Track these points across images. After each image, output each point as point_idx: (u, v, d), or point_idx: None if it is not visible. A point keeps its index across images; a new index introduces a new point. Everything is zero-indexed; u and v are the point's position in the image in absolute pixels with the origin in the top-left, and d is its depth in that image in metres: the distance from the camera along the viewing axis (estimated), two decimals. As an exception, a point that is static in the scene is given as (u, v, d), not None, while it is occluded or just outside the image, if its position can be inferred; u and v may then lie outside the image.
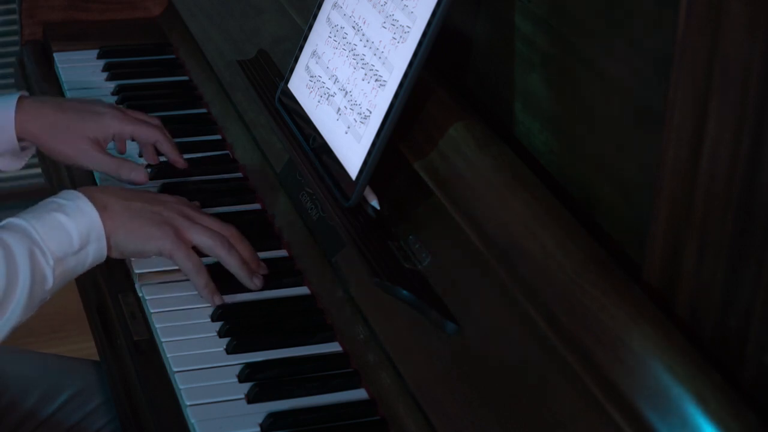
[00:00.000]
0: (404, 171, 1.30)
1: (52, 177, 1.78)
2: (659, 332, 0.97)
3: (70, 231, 1.29)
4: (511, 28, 1.28)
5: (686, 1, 0.92)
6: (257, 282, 1.38)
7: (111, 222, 1.32)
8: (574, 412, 1.00)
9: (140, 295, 1.38)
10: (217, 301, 1.35)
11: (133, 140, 1.57)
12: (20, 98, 1.52)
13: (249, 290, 1.38)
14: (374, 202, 1.32)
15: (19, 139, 1.52)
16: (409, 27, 1.27)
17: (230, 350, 1.29)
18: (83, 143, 1.51)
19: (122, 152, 1.59)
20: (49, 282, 1.27)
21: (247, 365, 1.27)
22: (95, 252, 1.31)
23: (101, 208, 1.32)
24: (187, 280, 1.37)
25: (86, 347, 1.82)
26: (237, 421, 1.20)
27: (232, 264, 1.36)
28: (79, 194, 1.33)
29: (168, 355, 1.29)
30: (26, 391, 1.51)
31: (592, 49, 1.16)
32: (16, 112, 1.51)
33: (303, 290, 1.40)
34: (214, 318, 1.34)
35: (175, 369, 1.27)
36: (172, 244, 1.34)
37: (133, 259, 1.40)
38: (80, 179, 1.64)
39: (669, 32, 0.97)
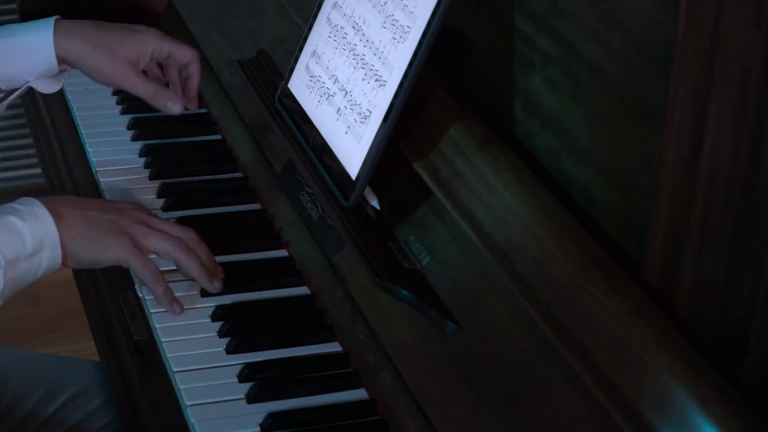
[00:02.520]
0: (404, 171, 1.30)
1: (52, 177, 1.78)
2: (659, 332, 0.97)
3: (24, 234, 1.27)
4: (511, 28, 1.28)
5: (686, 1, 0.92)
6: (216, 284, 1.36)
7: (66, 231, 1.30)
8: (574, 412, 1.00)
9: (140, 295, 1.38)
10: (177, 309, 1.34)
11: (167, 60, 1.55)
12: (57, 20, 1.50)
13: (249, 290, 1.38)
14: (374, 202, 1.32)
15: (59, 60, 1.50)
16: (409, 27, 1.27)
17: (230, 350, 1.29)
18: (123, 64, 1.50)
19: (156, 75, 1.57)
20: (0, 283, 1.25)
21: (247, 365, 1.27)
22: (49, 259, 1.29)
23: (56, 216, 1.29)
24: (187, 280, 1.37)
25: (86, 347, 1.82)
26: (237, 421, 1.20)
27: (192, 267, 1.34)
28: (35, 201, 1.31)
29: (168, 355, 1.29)
30: (27, 391, 1.51)
31: (592, 48, 1.16)
32: (54, 33, 1.49)
33: (303, 290, 1.40)
34: (214, 318, 1.34)
35: (175, 369, 1.27)
36: (129, 252, 1.32)
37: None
38: (80, 179, 1.64)
39: (669, 32, 0.97)
